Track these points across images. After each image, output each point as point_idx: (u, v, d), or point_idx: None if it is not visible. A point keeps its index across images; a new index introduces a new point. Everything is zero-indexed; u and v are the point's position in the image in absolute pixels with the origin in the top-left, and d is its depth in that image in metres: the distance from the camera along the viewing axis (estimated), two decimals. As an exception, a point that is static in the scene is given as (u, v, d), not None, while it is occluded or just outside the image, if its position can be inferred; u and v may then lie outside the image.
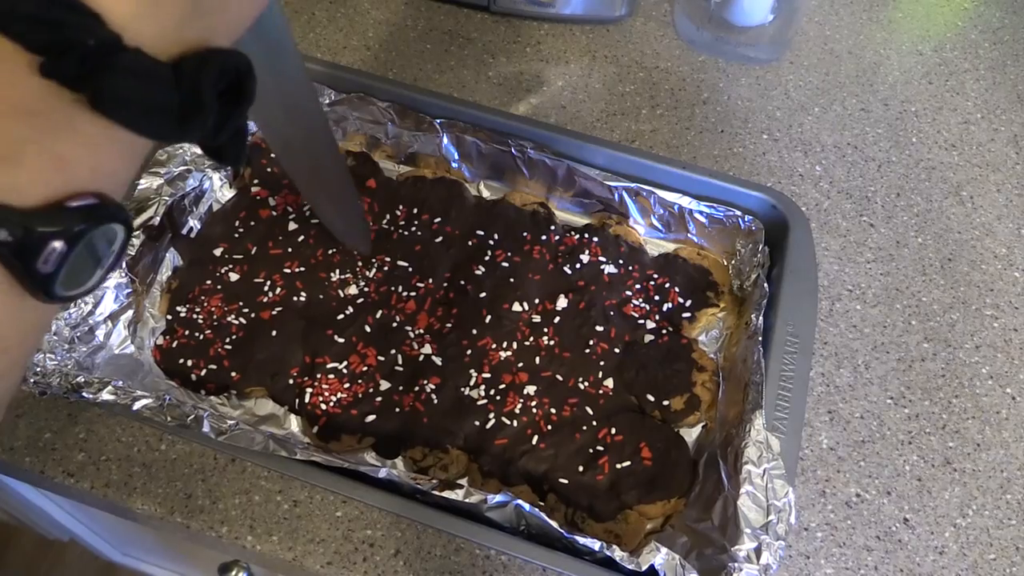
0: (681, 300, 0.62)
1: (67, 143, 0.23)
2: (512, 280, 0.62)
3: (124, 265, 0.55)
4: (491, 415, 0.56)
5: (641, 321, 0.61)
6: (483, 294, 0.61)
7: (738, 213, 0.62)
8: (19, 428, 0.53)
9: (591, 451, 0.55)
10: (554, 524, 0.47)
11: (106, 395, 0.49)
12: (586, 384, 0.58)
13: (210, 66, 0.24)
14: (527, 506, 0.48)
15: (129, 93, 0.23)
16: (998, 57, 0.82)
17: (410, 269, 0.62)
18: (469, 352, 0.58)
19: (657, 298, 0.62)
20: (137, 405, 0.49)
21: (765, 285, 0.58)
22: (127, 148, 0.25)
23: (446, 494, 0.48)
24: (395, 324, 0.60)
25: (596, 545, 0.47)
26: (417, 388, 0.57)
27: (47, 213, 0.23)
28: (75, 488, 0.51)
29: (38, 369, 0.49)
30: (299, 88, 0.47)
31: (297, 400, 0.56)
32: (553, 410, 0.56)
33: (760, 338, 0.54)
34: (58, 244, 0.23)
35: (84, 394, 0.49)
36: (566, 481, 0.54)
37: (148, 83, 0.23)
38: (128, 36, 0.22)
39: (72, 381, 0.49)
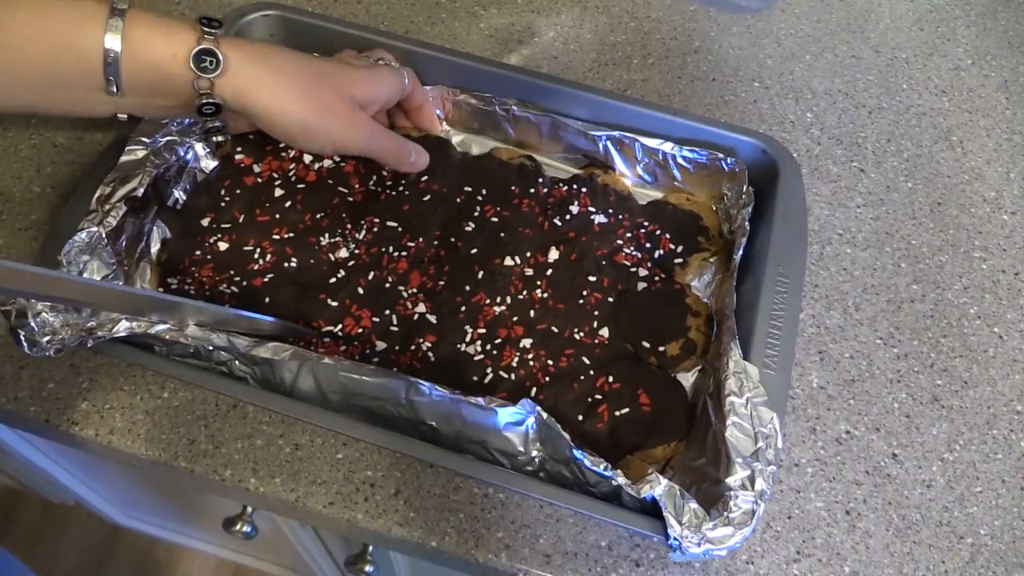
0: (672, 246, 0.62)
1: None
2: (502, 235, 0.62)
3: (105, 238, 0.54)
4: (488, 370, 0.56)
5: (633, 269, 0.62)
6: (474, 250, 0.61)
7: (720, 155, 0.62)
8: (23, 379, 0.53)
9: (590, 400, 0.55)
10: (566, 437, 0.48)
11: (122, 331, 0.50)
12: (582, 334, 0.58)
13: None
14: (544, 414, 0.48)
15: None
16: (988, 3, 0.82)
17: (399, 229, 0.62)
18: (463, 309, 0.58)
19: (648, 245, 0.63)
20: (154, 330, 0.50)
21: (747, 224, 0.59)
22: None
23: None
24: (388, 285, 0.60)
25: (601, 466, 0.47)
26: (413, 347, 0.57)
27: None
28: (79, 436, 0.52)
29: (47, 329, 0.49)
30: None
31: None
32: (550, 362, 0.57)
33: (735, 273, 0.54)
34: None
35: (100, 334, 0.49)
36: (567, 431, 0.54)
37: None
38: None
39: (84, 327, 0.50)
